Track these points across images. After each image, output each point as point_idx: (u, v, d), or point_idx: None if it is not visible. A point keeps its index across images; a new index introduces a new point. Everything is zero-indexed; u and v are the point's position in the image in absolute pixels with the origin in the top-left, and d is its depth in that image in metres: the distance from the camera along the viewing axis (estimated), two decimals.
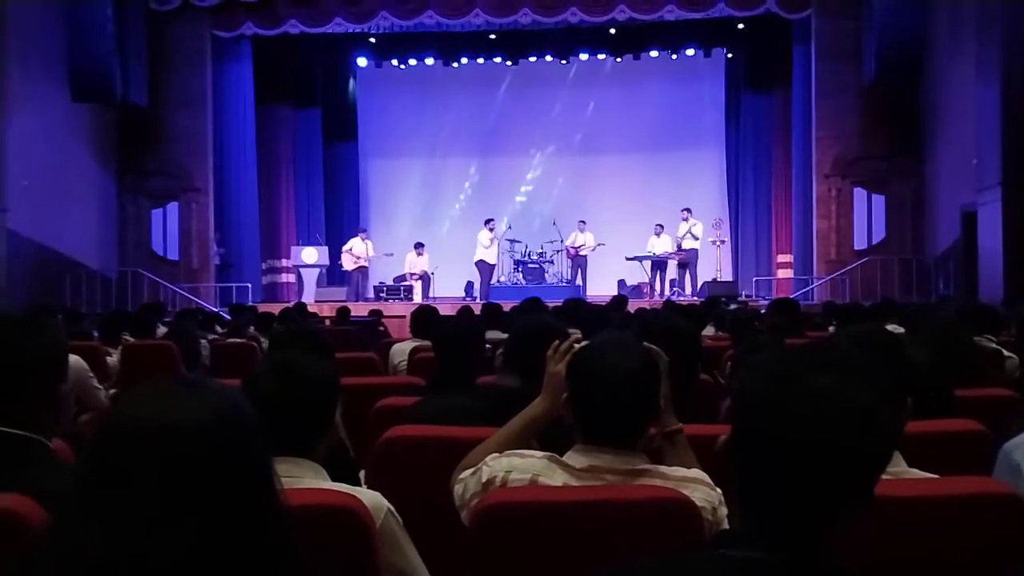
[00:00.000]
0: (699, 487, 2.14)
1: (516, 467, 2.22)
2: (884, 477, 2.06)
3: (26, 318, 2.34)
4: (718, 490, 2.16)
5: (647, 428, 2.21)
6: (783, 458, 1.25)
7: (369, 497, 2.07)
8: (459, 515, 2.29)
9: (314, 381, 2.22)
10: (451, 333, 3.83)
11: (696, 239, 17.15)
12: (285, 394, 2.15)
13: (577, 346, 2.37)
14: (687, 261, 17.12)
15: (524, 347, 3.26)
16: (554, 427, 2.45)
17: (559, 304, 7.56)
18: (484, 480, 2.25)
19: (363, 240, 17.98)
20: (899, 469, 2.15)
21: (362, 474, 3.07)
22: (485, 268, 17.26)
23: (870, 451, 1.27)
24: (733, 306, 8.79)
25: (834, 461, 1.24)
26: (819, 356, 1.31)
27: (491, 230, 17.34)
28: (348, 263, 17.77)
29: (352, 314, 12.06)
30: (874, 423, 1.26)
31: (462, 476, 2.36)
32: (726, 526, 2.06)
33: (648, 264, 17.44)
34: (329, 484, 2.14)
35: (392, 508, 2.10)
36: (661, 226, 17.59)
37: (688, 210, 17.41)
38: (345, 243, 18.13)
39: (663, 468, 2.20)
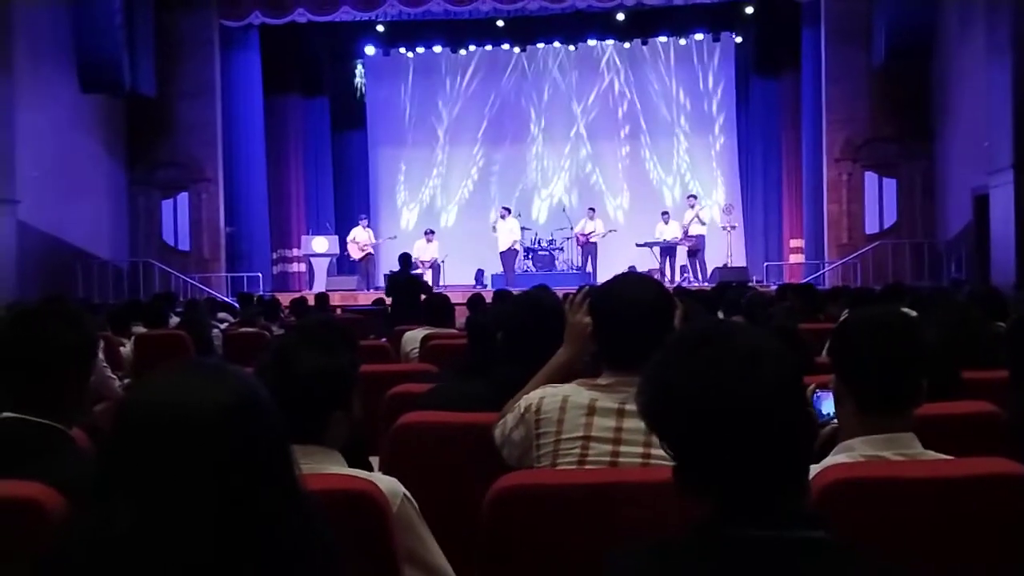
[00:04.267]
0: None
1: (548, 393, 2.45)
2: (900, 459, 2.09)
3: (65, 310, 2.36)
4: None
5: None
6: (718, 428, 1.30)
7: (385, 482, 2.08)
8: (472, 500, 2.29)
9: (317, 376, 2.14)
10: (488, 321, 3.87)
11: (703, 224, 17.09)
12: (287, 390, 2.09)
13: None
14: (696, 249, 17.06)
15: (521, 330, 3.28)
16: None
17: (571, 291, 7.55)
18: (521, 410, 2.48)
19: (364, 228, 17.97)
20: (915, 451, 2.15)
21: (375, 460, 3.08)
22: (502, 256, 17.26)
23: (785, 383, 1.34)
24: (747, 294, 8.74)
25: (759, 413, 1.30)
26: (692, 340, 1.39)
27: (502, 217, 17.37)
28: (355, 252, 17.78)
29: (359, 302, 12.08)
30: (770, 362, 1.33)
31: (501, 421, 2.58)
32: None
33: (657, 250, 17.42)
34: (345, 470, 2.15)
35: (408, 494, 2.11)
36: (667, 213, 17.63)
37: (694, 196, 17.35)
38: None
39: None
